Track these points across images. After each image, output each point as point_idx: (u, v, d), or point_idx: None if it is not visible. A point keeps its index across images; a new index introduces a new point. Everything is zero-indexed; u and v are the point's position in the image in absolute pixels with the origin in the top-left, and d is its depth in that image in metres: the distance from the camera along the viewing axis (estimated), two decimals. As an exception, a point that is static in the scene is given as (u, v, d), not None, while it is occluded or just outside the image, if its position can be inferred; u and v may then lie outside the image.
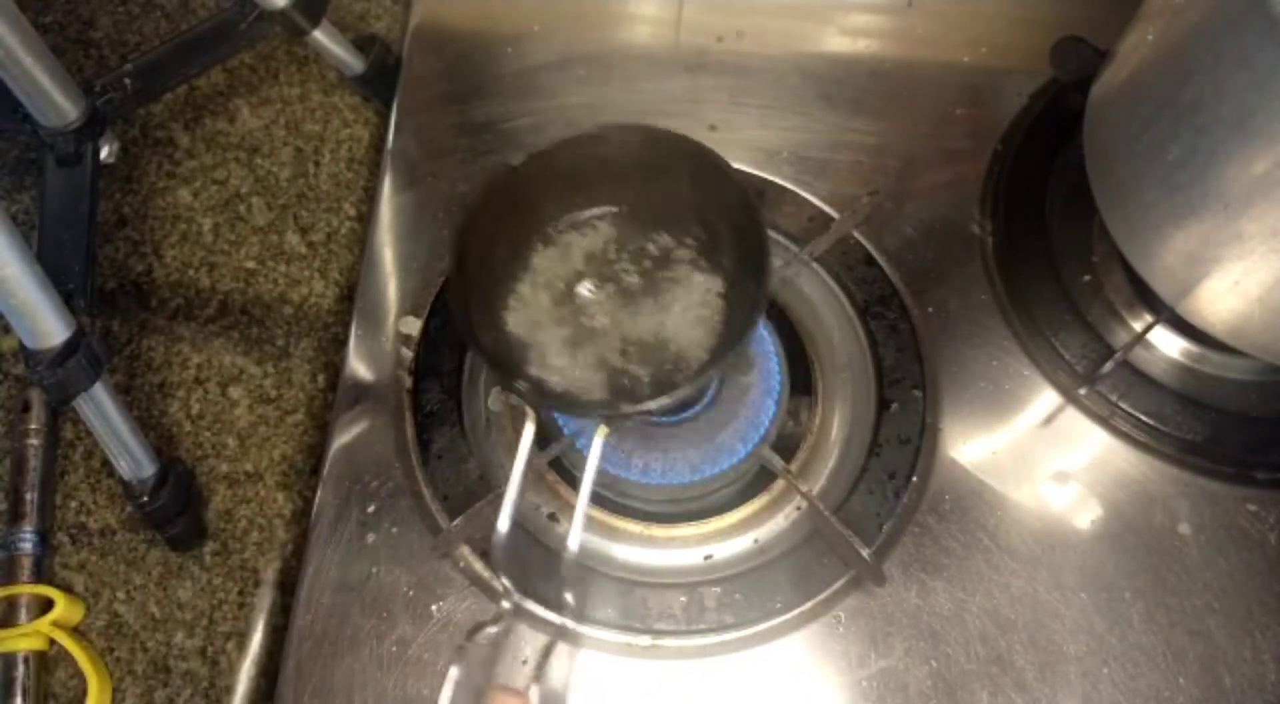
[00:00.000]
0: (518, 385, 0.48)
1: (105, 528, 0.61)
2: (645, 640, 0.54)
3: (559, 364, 0.50)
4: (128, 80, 0.67)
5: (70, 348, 0.52)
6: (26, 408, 0.63)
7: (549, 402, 0.51)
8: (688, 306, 0.51)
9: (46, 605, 0.59)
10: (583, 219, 0.53)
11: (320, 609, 0.56)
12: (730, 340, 0.49)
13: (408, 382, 0.60)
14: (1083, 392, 0.59)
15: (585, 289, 0.52)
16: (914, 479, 0.57)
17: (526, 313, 0.52)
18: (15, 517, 0.60)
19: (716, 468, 0.56)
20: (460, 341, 0.61)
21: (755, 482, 0.59)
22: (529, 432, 0.50)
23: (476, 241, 0.50)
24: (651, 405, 0.46)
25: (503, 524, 0.49)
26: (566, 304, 0.52)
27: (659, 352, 0.50)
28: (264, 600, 0.60)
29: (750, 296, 0.49)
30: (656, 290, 0.52)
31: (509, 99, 0.69)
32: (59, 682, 0.58)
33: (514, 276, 0.52)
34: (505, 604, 0.53)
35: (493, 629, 0.53)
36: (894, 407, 0.58)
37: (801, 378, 0.60)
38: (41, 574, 0.60)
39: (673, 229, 0.53)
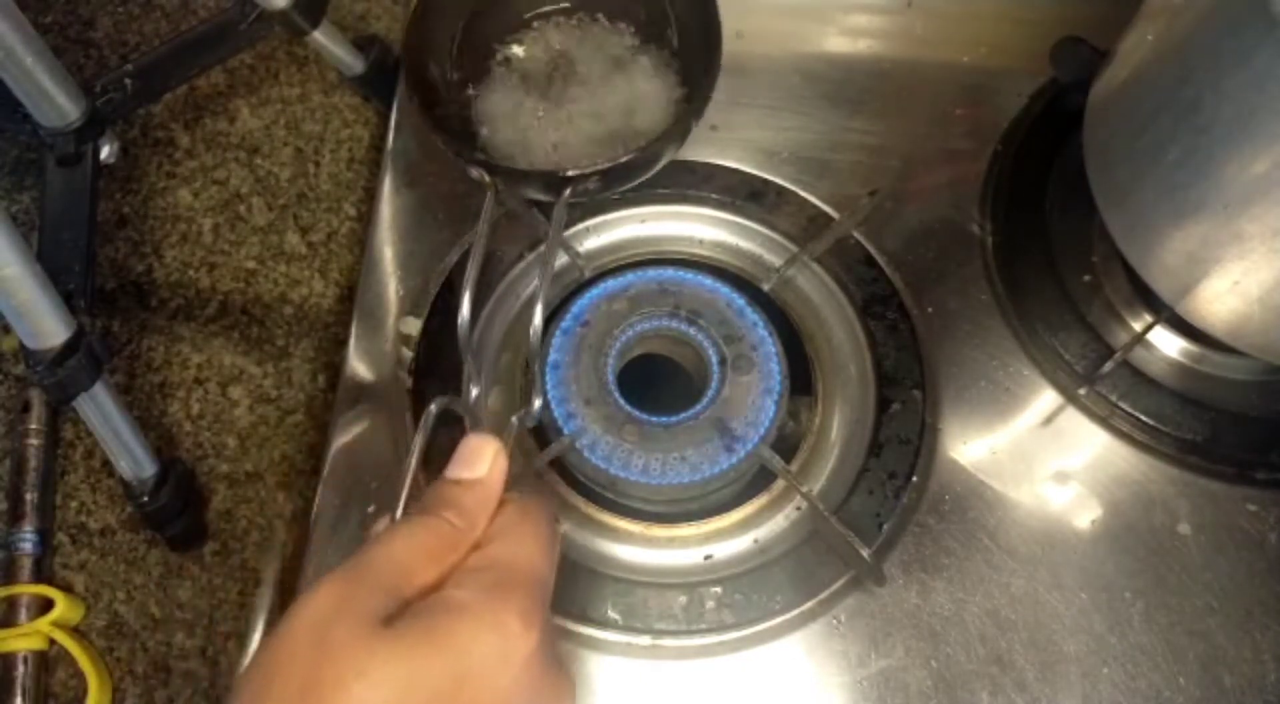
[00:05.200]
0: (476, 156, 0.55)
1: (105, 528, 0.61)
2: (645, 640, 0.54)
3: (513, 144, 0.59)
4: (128, 80, 0.67)
5: (70, 348, 0.52)
6: (26, 408, 0.63)
7: (503, 174, 0.56)
8: (641, 88, 0.60)
9: (46, 605, 0.59)
10: (538, 13, 0.62)
11: (320, 609, 0.56)
12: (683, 118, 0.57)
13: (408, 382, 0.60)
14: (1083, 392, 0.59)
15: (540, 75, 0.61)
16: (914, 479, 0.57)
17: (486, 104, 0.60)
18: (15, 517, 0.60)
19: (716, 468, 0.56)
20: (458, 342, 0.61)
21: (755, 482, 0.59)
22: (489, 204, 0.54)
23: (430, 38, 0.59)
24: (603, 166, 0.53)
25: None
26: (523, 94, 0.60)
27: (614, 129, 0.59)
28: (264, 600, 0.60)
29: (700, 76, 0.58)
30: (610, 76, 0.60)
31: (509, 99, 0.69)
32: (59, 682, 0.58)
33: (475, 71, 0.61)
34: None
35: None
36: (894, 407, 0.58)
37: (801, 378, 0.60)
38: (41, 574, 0.60)
39: (624, 18, 0.62)
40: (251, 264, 0.67)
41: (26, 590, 0.59)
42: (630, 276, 0.61)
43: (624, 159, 0.54)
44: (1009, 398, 0.60)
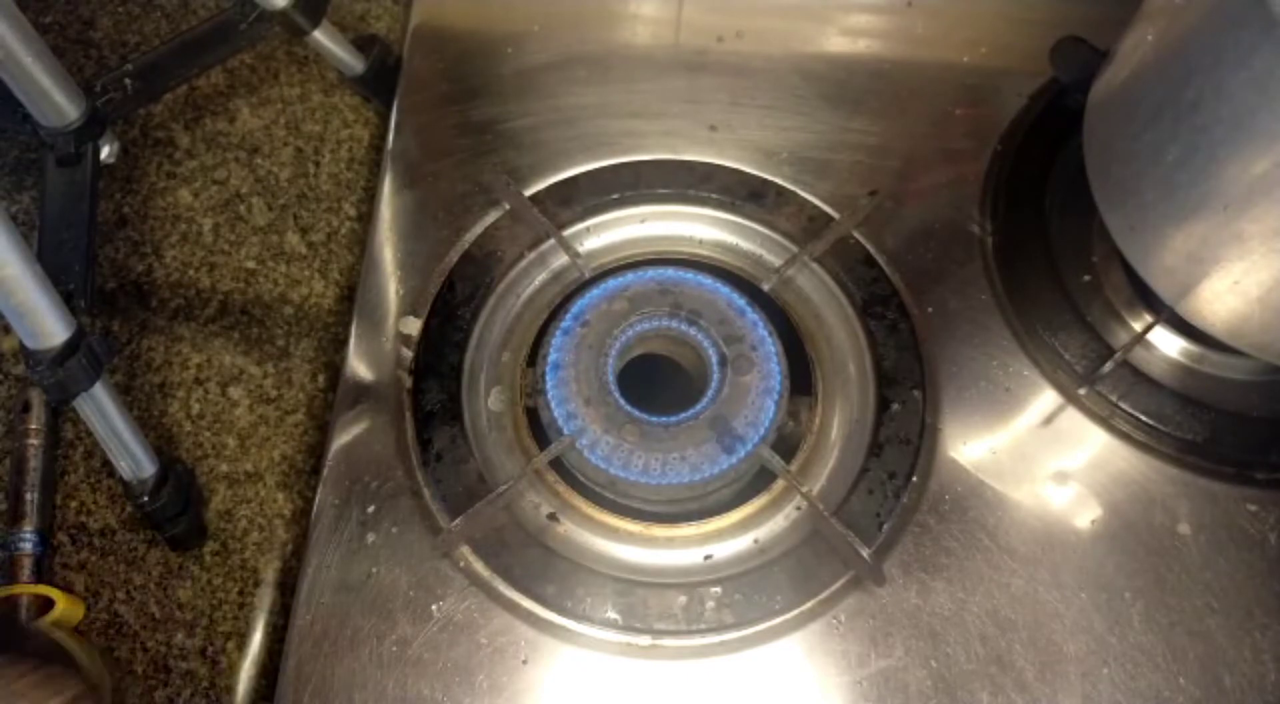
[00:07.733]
0: None
1: (105, 528, 0.61)
2: (645, 640, 0.54)
3: None
4: (128, 80, 0.67)
5: (70, 348, 0.52)
6: (26, 408, 0.63)
7: None
8: None
9: (46, 605, 0.59)
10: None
11: (320, 609, 0.56)
12: None
13: (408, 382, 0.61)
14: (1083, 392, 0.59)
15: None
16: (914, 479, 0.57)
17: None
18: (15, 517, 0.60)
19: (716, 468, 0.56)
20: (460, 341, 0.61)
21: (755, 482, 0.59)
22: None
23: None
24: None
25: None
26: None
27: None
28: (264, 600, 0.60)
29: None
30: None
31: (509, 99, 0.69)
32: (59, 682, 0.58)
33: None
34: None
35: None
36: (894, 407, 0.58)
37: (801, 378, 0.60)
38: (41, 574, 0.60)
39: None
40: (251, 264, 0.67)
41: (26, 590, 0.59)
42: (630, 276, 0.61)
43: None
44: (1009, 398, 0.60)
